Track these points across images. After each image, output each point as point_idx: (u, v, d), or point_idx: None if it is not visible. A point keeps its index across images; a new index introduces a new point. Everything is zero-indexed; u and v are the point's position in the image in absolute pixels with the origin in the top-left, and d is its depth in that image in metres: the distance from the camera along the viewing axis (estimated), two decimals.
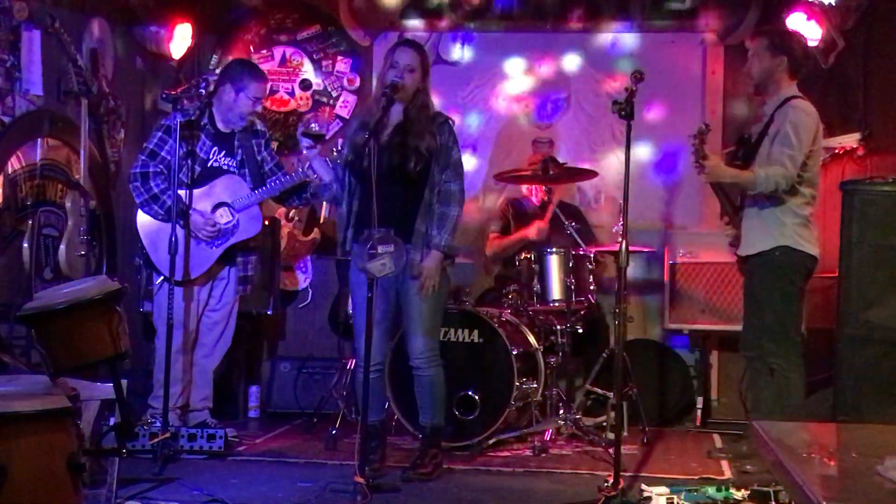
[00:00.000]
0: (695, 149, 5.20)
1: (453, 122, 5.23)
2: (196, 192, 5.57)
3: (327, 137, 6.94)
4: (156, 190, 5.56)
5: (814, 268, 5.28)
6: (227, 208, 5.66)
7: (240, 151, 5.74)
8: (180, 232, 5.32)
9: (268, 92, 5.96)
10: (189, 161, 5.50)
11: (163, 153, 5.59)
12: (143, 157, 5.64)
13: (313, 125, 4.94)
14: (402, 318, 5.13)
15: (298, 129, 5.17)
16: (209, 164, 5.67)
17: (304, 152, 5.08)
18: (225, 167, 5.71)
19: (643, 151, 7.16)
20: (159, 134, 5.65)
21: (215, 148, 5.70)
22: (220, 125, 5.74)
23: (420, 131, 4.99)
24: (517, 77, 7.43)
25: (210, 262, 5.67)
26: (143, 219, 5.67)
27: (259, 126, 5.92)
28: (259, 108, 5.87)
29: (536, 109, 7.41)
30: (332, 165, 5.05)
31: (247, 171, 5.74)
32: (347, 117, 7.44)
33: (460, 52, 7.45)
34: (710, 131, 5.36)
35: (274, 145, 7.27)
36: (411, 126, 5.01)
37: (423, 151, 4.97)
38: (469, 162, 7.35)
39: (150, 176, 5.59)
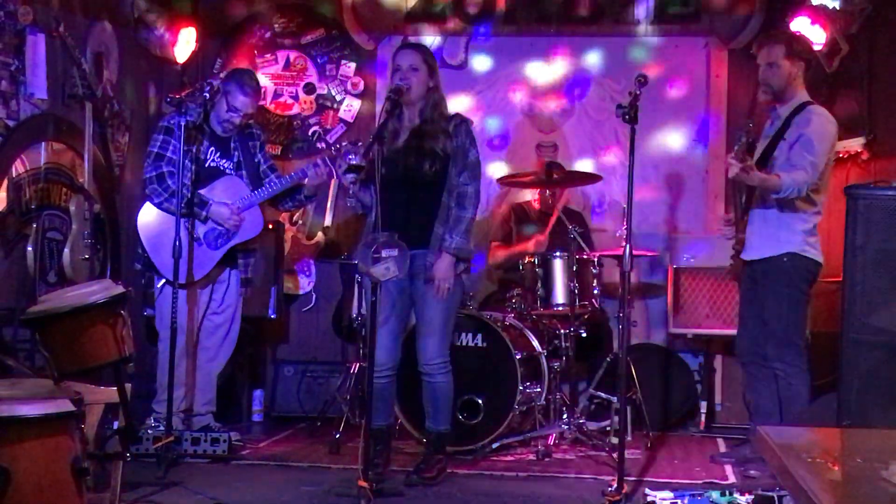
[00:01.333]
0: (738, 151, 5.15)
1: (471, 122, 5.22)
2: (198, 192, 5.58)
3: (332, 141, 6.97)
4: (174, 187, 5.54)
5: (818, 274, 5.30)
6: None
7: (236, 153, 5.75)
8: (184, 234, 5.31)
9: (249, 109, 5.77)
10: (190, 163, 5.51)
11: (168, 154, 5.60)
12: (151, 161, 5.64)
13: (351, 158, 4.89)
14: (416, 322, 5.13)
15: (339, 165, 5.07)
16: (206, 165, 5.67)
17: (349, 187, 5.04)
18: (221, 168, 5.72)
19: (648, 155, 7.15)
20: (161, 136, 5.66)
21: (212, 148, 5.70)
22: (216, 128, 5.74)
23: (435, 132, 5.00)
24: (521, 81, 7.43)
25: (212, 264, 5.67)
26: (144, 221, 5.66)
27: (255, 129, 5.93)
28: (237, 121, 5.71)
29: (541, 113, 7.41)
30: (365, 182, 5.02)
31: (244, 172, 5.74)
32: (352, 121, 7.45)
33: (464, 57, 7.45)
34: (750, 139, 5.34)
35: (277, 149, 7.31)
36: (426, 127, 5.01)
37: (438, 152, 4.97)
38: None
39: (166, 176, 5.59)
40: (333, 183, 7.11)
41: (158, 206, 5.60)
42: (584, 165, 7.16)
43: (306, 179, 5.66)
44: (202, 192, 5.61)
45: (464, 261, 5.09)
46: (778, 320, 5.21)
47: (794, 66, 5.29)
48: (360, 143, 5.22)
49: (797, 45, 5.36)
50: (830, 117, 5.26)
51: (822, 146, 5.15)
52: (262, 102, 6.86)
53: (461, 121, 5.13)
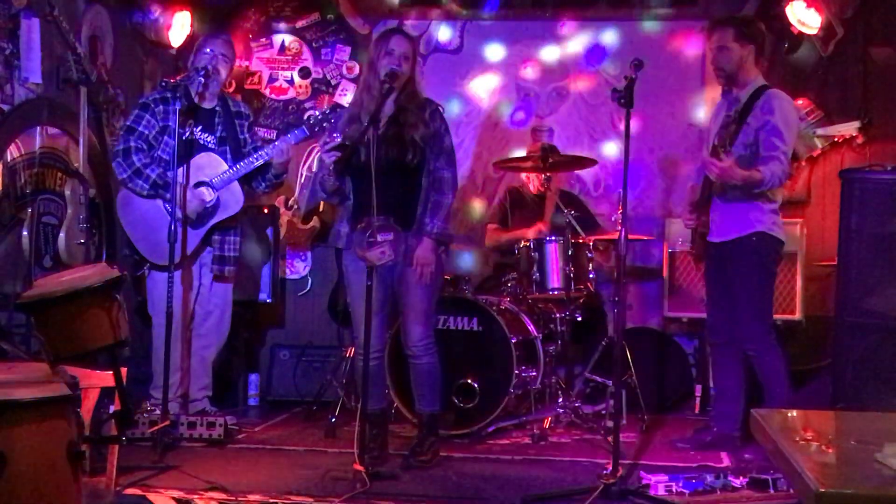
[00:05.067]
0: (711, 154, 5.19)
1: (442, 108, 5.24)
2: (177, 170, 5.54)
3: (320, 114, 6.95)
4: (138, 164, 5.53)
5: (782, 252, 5.37)
6: (207, 187, 5.63)
7: (220, 128, 5.72)
8: (164, 216, 5.27)
9: (217, 45, 5.73)
10: (168, 139, 5.46)
11: (140, 128, 5.60)
12: (123, 134, 5.67)
13: (336, 136, 4.87)
14: (400, 306, 5.14)
15: (321, 146, 5.03)
16: (184, 137, 5.63)
17: (330, 166, 5.03)
18: (202, 142, 5.68)
19: (642, 140, 7.16)
20: (136, 111, 5.68)
21: (191, 121, 5.66)
22: (202, 102, 5.72)
23: (414, 121, 4.99)
24: (516, 65, 7.42)
25: (194, 244, 5.63)
26: (122, 207, 5.66)
27: (243, 108, 5.92)
28: (220, 67, 5.70)
29: (535, 97, 7.41)
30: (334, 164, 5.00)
31: (227, 148, 5.71)
32: (348, 105, 7.43)
33: (459, 41, 7.44)
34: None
35: (272, 133, 7.29)
36: (405, 116, 5.01)
37: (418, 141, 4.97)
38: (467, 150, 7.37)
39: (132, 151, 5.57)
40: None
41: (123, 183, 5.59)
42: (580, 149, 7.16)
43: (273, 158, 5.63)
44: (180, 169, 5.57)
45: (444, 244, 5.11)
46: (748, 300, 5.25)
47: (743, 49, 5.31)
48: (338, 111, 5.21)
49: (747, 29, 5.37)
50: (790, 100, 5.31)
51: (789, 133, 5.19)
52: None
53: (435, 107, 5.14)
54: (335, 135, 4.88)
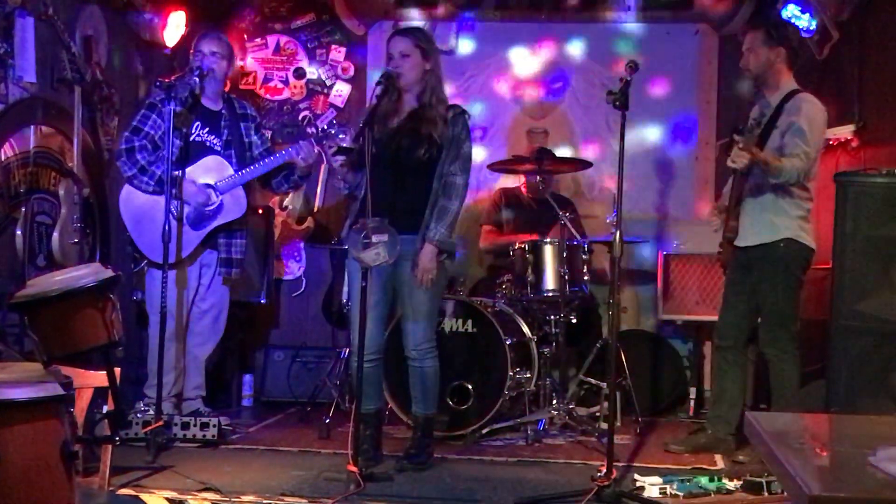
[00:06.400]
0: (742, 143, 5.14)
1: (469, 115, 5.19)
2: (179, 172, 5.54)
3: (321, 125, 6.94)
4: (142, 162, 5.56)
5: (812, 260, 5.31)
6: (210, 190, 5.63)
7: (226, 131, 5.73)
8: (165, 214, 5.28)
9: (215, 47, 5.68)
10: (174, 139, 5.45)
11: (146, 128, 5.62)
12: (128, 134, 5.67)
13: (341, 139, 4.87)
14: (400, 307, 5.12)
15: (328, 147, 5.03)
16: (192, 139, 5.64)
17: (338, 170, 5.03)
18: (208, 144, 5.69)
19: (638, 141, 7.16)
20: (143, 111, 5.70)
21: (198, 123, 5.67)
22: (207, 103, 5.72)
23: (433, 118, 4.97)
24: (513, 66, 7.42)
25: (192, 245, 5.64)
26: (126, 203, 5.66)
27: (249, 110, 5.91)
28: (213, 65, 5.68)
29: (531, 99, 7.40)
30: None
31: (233, 151, 5.72)
32: (342, 106, 7.44)
33: (456, 41, 7.44)
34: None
35: (267, 133, 7.28)
36: (424, 112, 4.99)
37: (435, 138, 4.95)
38: None
39: (136, 150, 5.59)
40: (323, 167, 7.11)
41: (129, 181, 5.61)
42: (574, 152, 7.16)
43: (299, 159, 5.61)
44: (187, 169, 5.58)
45: (447, 252, 5.05)
46: (773, 306, 5.24)
47: (772, 52, 5.29)
48: (348, 125, 5.21)
49: (776, 32, 5.35)
50: (820, 105, 5.27)
51: (814, 135, 5.16)
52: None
53: (460, 112, 5.11)
54: (340, 137, 4.87)
